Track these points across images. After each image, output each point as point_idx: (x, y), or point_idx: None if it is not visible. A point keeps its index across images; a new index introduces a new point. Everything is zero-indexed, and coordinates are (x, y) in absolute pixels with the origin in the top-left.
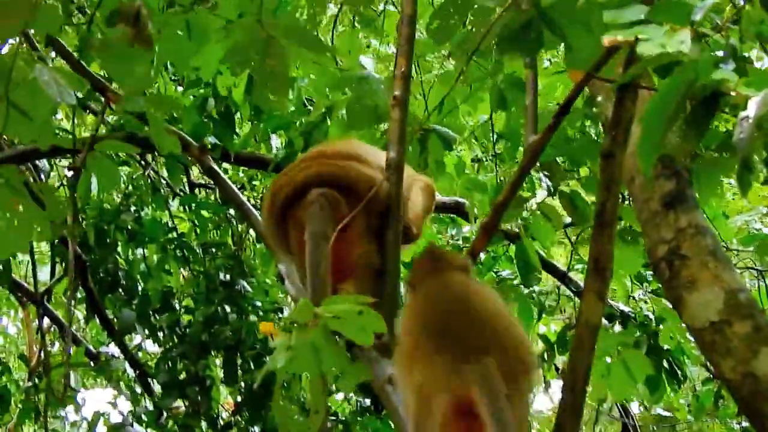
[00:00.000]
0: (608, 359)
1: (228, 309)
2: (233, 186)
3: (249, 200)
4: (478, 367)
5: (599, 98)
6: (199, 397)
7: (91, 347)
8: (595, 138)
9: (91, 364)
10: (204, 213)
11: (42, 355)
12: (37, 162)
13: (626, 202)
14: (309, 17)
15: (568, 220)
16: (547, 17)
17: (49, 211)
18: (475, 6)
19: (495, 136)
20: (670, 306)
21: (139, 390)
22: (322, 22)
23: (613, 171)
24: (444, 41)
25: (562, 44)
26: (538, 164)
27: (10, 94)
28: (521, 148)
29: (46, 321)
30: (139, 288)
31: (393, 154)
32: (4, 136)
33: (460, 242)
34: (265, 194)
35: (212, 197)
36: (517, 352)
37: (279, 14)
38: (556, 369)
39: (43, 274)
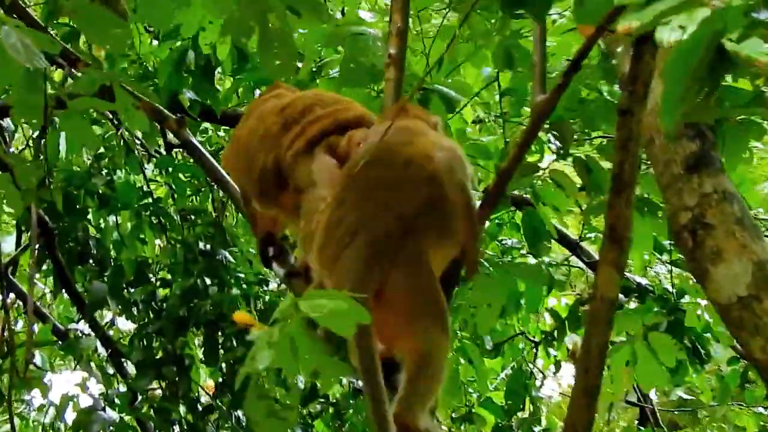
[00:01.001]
0: (624, 338)
1: (208, 281)
2: (213, 161)
3: None
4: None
5: (619, 49)
6: (177, 378)
7: (58, 324)
8: (611, 99)
9: (59, 342)
10: (182, 177)
11: (5, 333)
12: (0, 122)
13: (642, 168)
14: None
15: (579, 183)
16: None
17: (19, 180)
18: None
19: (500, 95)
20: (693, 279)
21: (111, 371)
22: None
23: (631, 128)
24: None
25: None
26: (546, 125)
27: None
28: (527, 108)
29: (11, 296)
30: (112, 259)
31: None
32: None
33: None
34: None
35: (191, 160)
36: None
37: None
38: (568, 351)
39: (7, 244)
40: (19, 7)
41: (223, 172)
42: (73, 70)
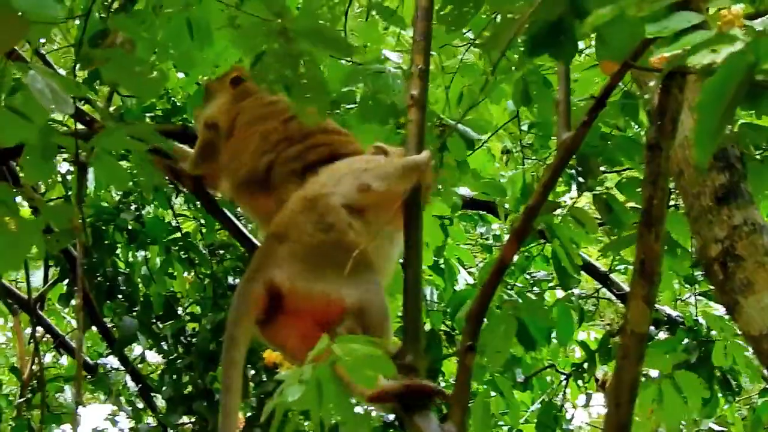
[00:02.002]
0: (652, 373)
1: None
2: (233, 217)
3: None
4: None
5: (651, 83)
6: (207, 413)
7: (88, 358)
8: (634, 136)
9: (88, 377)
10: None
11: (35, 367)
12: None
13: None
14: (328, 10)
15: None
16: (579, 7)
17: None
18: None
19: (523, 129)
20: (721, 311)
21: (141, 405)
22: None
23: (660, 163)
24: (457, 29)
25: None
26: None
27: (6, 99)
28: (553, 138)
29: (39, 330)
30: (141, 294)
31: None
32: None
33: (490, 241)
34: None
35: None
36: None
37: (293, 10)
38: (596, 381)
39: (35, 278)
40: (42, 57)
41: (244, 229)
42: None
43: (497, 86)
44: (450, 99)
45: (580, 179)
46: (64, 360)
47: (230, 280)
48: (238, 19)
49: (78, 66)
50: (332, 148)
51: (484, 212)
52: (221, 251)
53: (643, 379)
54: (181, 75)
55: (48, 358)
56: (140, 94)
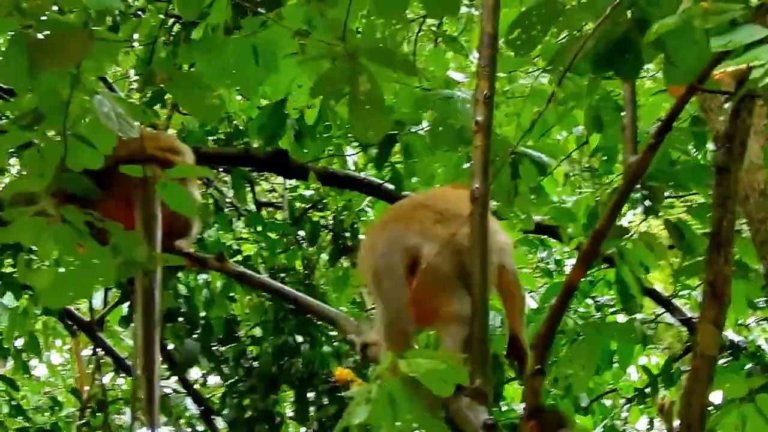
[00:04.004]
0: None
1: (299, 339)
2: (273, 281)
3: (318, 222)
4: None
5: (711, 107)
6: None
7: None
8: (702, 160)
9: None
10: (271, 234)
11: (93, 389)
12: None
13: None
14: (389, 35)
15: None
16: (643, 23)
17: (121, 251)
18: (561, 18)
19: (590, 153)
20: None
21: (201, 428)
22: (402, 40)
23: (729, 186)
24: (524, 53)
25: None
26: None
27: (71, 125)
28: (617, 164)
29: (100, 352)
30: (201, 316)
31: (477, 185)
32: None
33: (552, 266)
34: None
35: (279, 216)
36: None
37: (355, 32)
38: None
39: (96, 300)
40: (104, 81)
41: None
42: None
43: (569, 113)
44: (519, 125)
45: (647, 203)
46: (122, 381)
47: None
48: (306, 44)
49: (141, 87)
50: None
51: (545, 236)
52: (282, 274)
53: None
54: (240, 98)
55: (107, 380)
56: (202, 118)
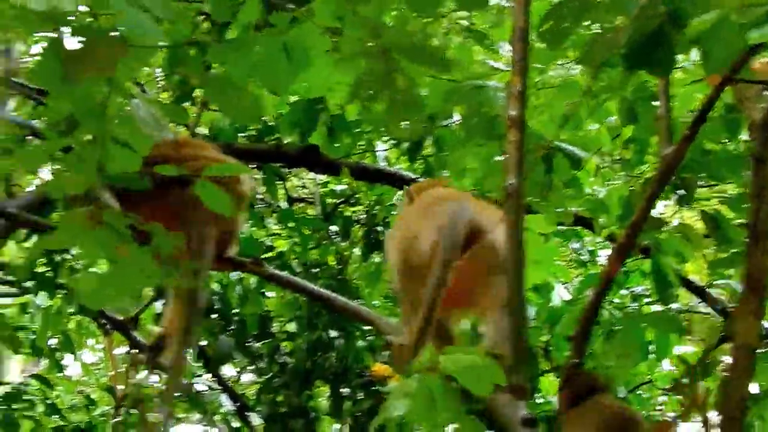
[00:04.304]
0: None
1: (333, 334)
2: (307, 283)
3: (350, 216)
4: None
5: (747, 96)
6: (304, 431)
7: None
8: (736, 151)
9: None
10: (304, 230)
11: (128, 387)
12: None
13: None
14: (420, 30)
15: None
16: (677, 17)
17: (160, 251)
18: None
19: (622, 144)
20: None
21: (236, 424)
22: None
23: (765, 176)
24: (555, 46)
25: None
26: None
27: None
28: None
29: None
30: (234, 313)
31: (512, 180)
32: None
33: (585, 257)
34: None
35: (311, 212)
36: None
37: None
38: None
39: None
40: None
41: (319, 290)
42: None
43: (601, 105)
44: (551, 118)
45: (680, 193)
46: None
47: None
48: (338, 41)
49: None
50: None
51: (579, 227)
52: (315, 270)
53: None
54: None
55: (140, 377)
56: (239, 119)
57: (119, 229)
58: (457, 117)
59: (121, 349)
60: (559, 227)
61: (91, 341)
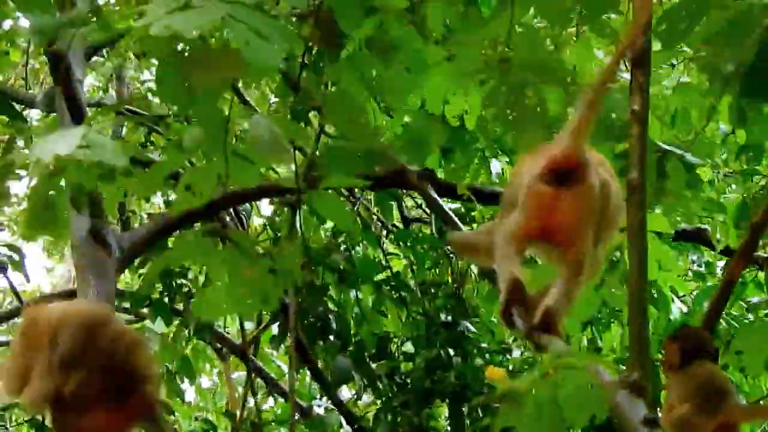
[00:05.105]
0: None
1: (451, 352)
2: (456, 219)
3: None
4: None
5: None
6: None
7: (299, 401)
8: None
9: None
10: (420, 249)
11: (246, 411)
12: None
13: None
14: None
15: None
16: None
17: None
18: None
19: (737, 151)
20: None
21: None
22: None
23: None
24: (671, 46)
25: None
26: None
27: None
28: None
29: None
30: (352, 333)
31: (634, 174)
32: None
33: (702, 268)
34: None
35: (428, 231)
36: None
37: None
38: None
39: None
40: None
41: (468, 237)
42: None
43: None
44: (665, 119)
45: None
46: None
47: (442, 317)
48: (454, 52)
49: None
50: None
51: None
52: (432, 289)
53: None
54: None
55: (258, 401)
56: (356, 138)
57: (243, 246)
58: None
59: (237, 374)
60: (676, 242)
61: (207, 366)
